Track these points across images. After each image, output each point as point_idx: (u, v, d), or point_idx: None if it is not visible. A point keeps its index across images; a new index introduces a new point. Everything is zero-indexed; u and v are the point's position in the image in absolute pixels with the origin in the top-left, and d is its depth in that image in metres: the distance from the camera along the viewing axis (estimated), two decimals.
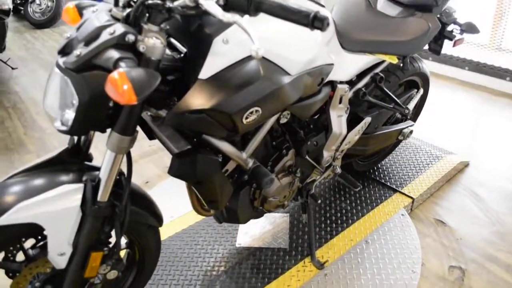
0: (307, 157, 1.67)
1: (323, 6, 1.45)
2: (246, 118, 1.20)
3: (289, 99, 1.29)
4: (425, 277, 1.85)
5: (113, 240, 1.32)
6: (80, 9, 1.18)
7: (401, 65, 1.87)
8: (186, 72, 1.19)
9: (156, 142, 1.35)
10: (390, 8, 1.86)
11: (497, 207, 2.26)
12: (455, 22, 2.10)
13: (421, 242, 2.01)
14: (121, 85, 0.90)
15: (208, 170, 1.27)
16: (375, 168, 2.46)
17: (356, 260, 1.87)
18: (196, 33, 1.15)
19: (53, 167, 1.24)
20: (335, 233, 2.01)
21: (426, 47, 2.15)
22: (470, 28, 2.09)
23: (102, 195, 1.19)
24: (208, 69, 1.13)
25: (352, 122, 1.85)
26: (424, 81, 2.24)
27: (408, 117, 2.09)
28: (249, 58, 1.17)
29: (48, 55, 4.68)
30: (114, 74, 0.91)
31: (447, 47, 2.23)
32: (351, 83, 1.77)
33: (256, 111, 1.21)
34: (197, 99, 1.13)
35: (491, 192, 2.38)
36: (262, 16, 1.06)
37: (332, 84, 1.63)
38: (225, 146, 1.31)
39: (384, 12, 1.82)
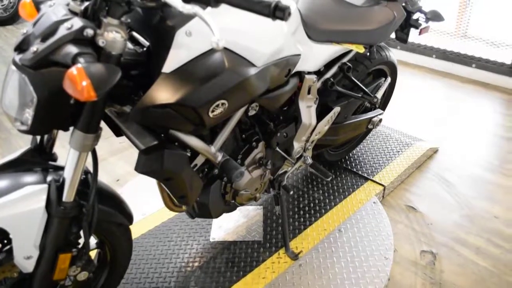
0: (277, 148, 1.67)
1: None
2: (213, 111, 1.18)
3: (255, 91, 1.28)
4: (397, 262, 1.88)
5: (82, 240, 1.29)
6: (37, 3, 1.14)
7: (368, 54, 1.88)
8: (150, 66, 1.17)
9: (125, 138, 1.32)
10: None
11: (466, 192, 2.31)
12: (420, 11, 2.12)
13: (393, 228, 2.04)
14: (79, 81, 0.88)
15: (176, 165, 1.25)
16: (347, 157, 2.48)
17: (330, 249, 1.88)
18: (158, 26, 1.13)
19: (15, 168, 1.20)
20: (309, 224, 2.02)
21: (393, 36, 2.18)
22: (435, 16, 2.12)
23: (67, 195, 1.16)
24: (172, 63, 1.11)
25: (321, 113, 1.86)
26: (392, 69, 2.26)
27: (377, 106, 2.10)
28: (213, 50, 1.16)
29: (11, 52, 4.53)
30: (72, 70, 0.89)
31: (415, 36, 2.27)
32: (319, 73, 1.77)
33: (223, 104, 1.19)
34: (161, 94, 1.11)
35: (460, 177, 2.43)
36: (226, 7, 1.05)
37: (300, 75, 1.63)
38: (193, 141, 1.30)
39: (349, 2, 1.82)
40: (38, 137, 1.27)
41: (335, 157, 2.36)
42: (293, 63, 1.47)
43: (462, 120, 3.03)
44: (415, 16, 2.16)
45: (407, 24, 2.16)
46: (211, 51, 1.15)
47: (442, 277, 1.82)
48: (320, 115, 1.84)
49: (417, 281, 1.80)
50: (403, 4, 2.09)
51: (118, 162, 2.58)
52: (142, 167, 1.22)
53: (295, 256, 1.83)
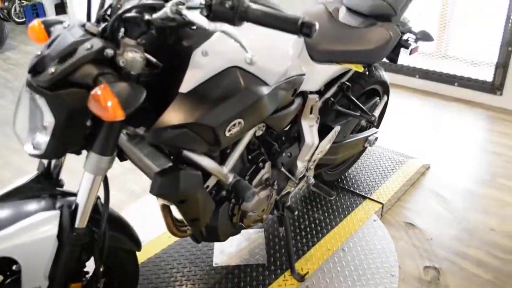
0: (282, 168, 1.66)
1: None
2: (229, 130, 1.18)
3: (268, 110, 1.29)
4: (402, 279, 1.87)
5: (88, 269, 1.25)
6: (47, 26, 1.12)
7: (367, 73, 1.92)
8: (164, 87, 1.16)
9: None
10: (352, 18, 1.90)
11: (461, 206, 2.34)
12: (410, 31, 2.19)
13: (394, 245, 2.04)
14: (105, 100, 0.86)
15: (191, 187, 1.23)
16: (343, 176, 2.49)
17: (335, 269, 1.87)
18: (174, 46, 1.13)
19: (23, 195, 1.16)
20: (312, 244, 2.00)
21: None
22: (424, 36, 2.18)
23: (81, 221, 1.12)
24: (189, 82, 1.11)
25: (321, 132, 1.87)
26: (385, 89, 2.31)
27: (374, 124, 2.13)
28: (229, 70, 1.16)
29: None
30: (97, 90, 0.87)
31: (402, 56, 2.32)
32: (319, 93, 1.79)
33: (239, 123, 1.19)
34: (179, 114, 1.10)
35: (453, 192, 2.47)
36: (243, 26, 1.05)
37: (303, 95, 1.64)
38: (206, 161, 1.28)
39: (346, 24, 1.87)
40: (46, 162, 1.24)
41: (332, 176, 2.37)
42: (299, 82, 1.49)
43: (450, 137, 3.09)
44: (405, 37, 2.22)
45: (398, 44, 2.21)
46: (227, 70, 1.16)
47: None
48: (320, 135, 1.85)
49: None
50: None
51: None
52: (158, 190, 1.20)
53: (301, 278, 1.81)
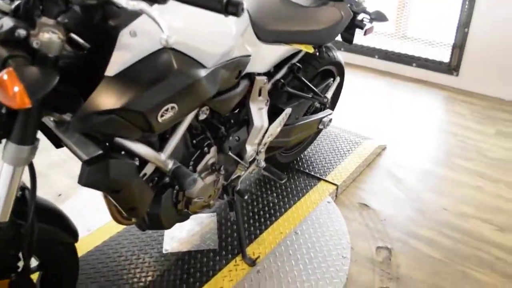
0: (230, 153, 1.62)
1: None
2: (162, 116, 1.11)
3: (206, 94, 1.23)
4: (354, 261, 1.88)
5: (21, 264, 1.18)
6: None
7: (318, 54, 1.87)
8: (91, 70, 1.08)
9: (65, 150, 1.22)
10: None
11: (415, 186, 2.37)
12: (364, 11, 2.15)
13: (348, 227, 2.04)
14: (11, 86, 0.78)
15: (123, 176, 1.17)
16: (299, 158, 2.47)
17: (287, 252, 1.85)
18: (100, 26, 1.04)
19: None
20: (265, 228, 1.98)
21: (339, 37, 2.19)
22: (379, 17, 2.15)
23: (2, 214, 1.05)
24: (115, 65, 1.03)
25: (272, 114, 1.83)
26: (339, 70, 2.28)
27: (327, 106, 2.10)
28: (160, 51, 1.09)
29: None
30: (3, 75, 0.79)
31: (358, 37, 2.29)
32: (269, 74, 1.74)
33: (172, 107, 1.12)
34: (105, 99, 1.03)
35: (408, 172, 2.49)
36: (174, 5, 0.99)
37: (250, 77, 1.59)
38: (141, 148, 1.22)
39: (296, 3, 1.81)
40: None
41: (287, 159, 2.34)
42: (244, 64, 1.43)
43: (406, 117, 3.12)
44: (360, 17, 2.18)
45: (352, 24, 2.18)
46: (159, 52, 1.09)
47: (398, 271, 1.83)
48: (271, 117, 1.81)
49: (375, 278, 1.80)
50: (349, 5, 2.11)
51: (58, 176, 2.42)
52: (86, 179, 1.13)
53: (252, 262, 1.78)
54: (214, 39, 1.22)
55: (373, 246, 1.97)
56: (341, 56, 2.24)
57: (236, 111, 1.69)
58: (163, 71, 1.08)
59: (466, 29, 3.32)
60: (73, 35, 1.13)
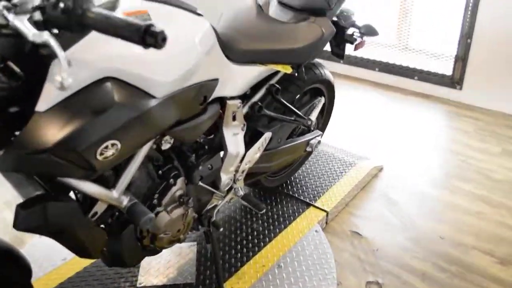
0: (200, 183, 1.49)
1: (200, 14, 1.28)
2: (101, 154, 0.99)
3: (157, 126, 1.10)
4: None
5: None
6: None
7: (296, 74, 1.73)
8: (26, 103, 0.97)
9: None
10: (282, 13, 1.73)
11: (411, 211, 2.21)
12: (353, 25, 2.02)
13: (337, 257, 1.90)
14: None
15: (64, 218, 1.05)
16: (287, 181, 2.33)
17: None
18: (32, 54, 0.93)
19: None
20: (246, 260, 1.84)
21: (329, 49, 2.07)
22: (369, 31, 2.02)
23: None
24: (47, 99, 0.92)
25: (252, 138, 1.70)
26: (329, 87, 2.14)
27: (312, 128, 1.97)
28: (100, 81, 0.97)
29: None
30: None
31: (358, 49, 2.17)
32: (245, 96, 1.62)
33: (113, 145, 1.00)
34: (35, 137, 0.91)
35: (405, 195, 2.33)
36: None
37: (222, 101, 1.47)
38: (87, 187, 1.10)
39: (274, 18, 1.69)
40: None
41: (274, 183, 2.20)
42: (209, 89, 1.31)
43: (406, 134, 2.96)
44: (349, 31, 2.06)
45: (342, 39, 2.06)
46: (98, 82, 0.97)
47: None
48: (250, 141, 1.69)
49: None
50: (336, 19, 1.98)
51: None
52: (20, 224, 1.01)
53: None
54: (165, 65, 1.10)
55: (363, 280, 1.81)
56: (329, 73, 2.10)
57: (210, 137, 1.57)
58: (101, 104, 0.96)
59: (469, 39, 3.16)
60: (10, 63, 1.02)
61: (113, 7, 1.01)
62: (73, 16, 0.73)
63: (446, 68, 3.39)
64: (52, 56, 0.91)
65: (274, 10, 1.73)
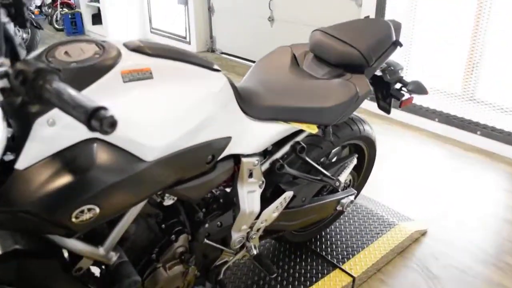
0: (206, 240, 1.41)
1: (218, 70, 1.23)
2: (77, 217, 0.95)
3: (145, 191, 1.05)
4: None
5: None
6: None
7: (323, 135, 1.60)
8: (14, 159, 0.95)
9: None
10: (317, 67, 1.63)
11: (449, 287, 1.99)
12: (400, 81, 1.89)
13: None
14: None
15: (38, 276, 1.01)
16: (317, 236, 2.19)
17: None
18: (19, 111, 0.92)
19: None
20: None
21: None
22: (417, 89, 1.87)
23: None
24: (26, 158, 0.89)
25: (274, 194, 1.61)
26: (369, 144, 2.00)
27: (340, 190, 1.82)
28: (84, 142, 0.93)
29: None
30: None
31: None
32: (266, 152, 1.53)
33: (90, 209, 0.95)
34: (12, 195, 0.89)
35: (446, 268, 2.11)
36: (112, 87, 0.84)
37: (237, 157, 1.39)
38: (71, 244, 1.06)
39: (308, 72, 1.60)
40: None
41: (300, 238, 2.07)
42: (218, 147, 1.24)
43: (460, 195, 2.71)
44: (397, 86, 1.93)
45: (388, 94, 1.93)
46: (81, 144, 0.93)
47: None
48: (272, 197, 1.59)
49: None
50: (381, 74, 1.86)
51: None
52: None
53: None
54: (158, 128, 1.03)
55: None
56: (370, 129, 1.97)
57: (221, 192, 1.50)
58: (80, 167, 0.92)
59: None
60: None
61: (113, 63, 0.98)
62: (31, 90, 0.70)
63: None
64: (37, 114, 0.90)
65: (309, 63, 1.64)
